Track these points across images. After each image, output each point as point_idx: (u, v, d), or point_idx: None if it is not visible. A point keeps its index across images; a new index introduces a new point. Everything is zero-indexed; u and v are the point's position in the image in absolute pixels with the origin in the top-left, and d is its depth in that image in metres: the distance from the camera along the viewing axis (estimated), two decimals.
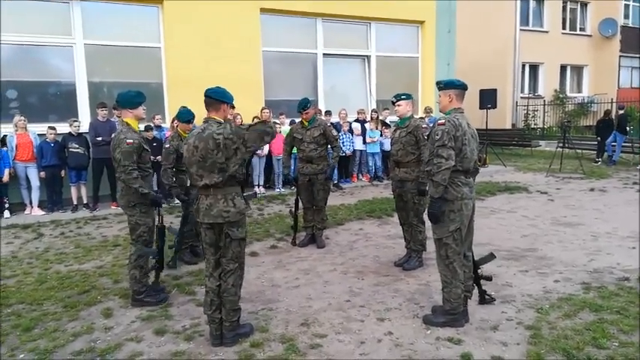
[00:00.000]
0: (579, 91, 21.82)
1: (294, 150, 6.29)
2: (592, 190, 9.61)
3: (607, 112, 13.90)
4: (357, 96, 11.98)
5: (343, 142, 10.49)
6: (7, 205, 7.95)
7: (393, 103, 5.25)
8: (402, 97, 5.12)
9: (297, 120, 6.20)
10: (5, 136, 7.97)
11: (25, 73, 8.57)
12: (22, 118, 8.02)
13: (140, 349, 3.63)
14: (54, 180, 8.26)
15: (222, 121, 3.59)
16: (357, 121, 10.95)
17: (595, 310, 4.01)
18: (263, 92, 10.51)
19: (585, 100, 20.53)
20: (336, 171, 10.45)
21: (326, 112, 10.56)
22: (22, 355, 3.56)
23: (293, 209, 6.22)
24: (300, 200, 6.18)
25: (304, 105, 5.89)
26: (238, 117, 9.35)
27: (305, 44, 11.14)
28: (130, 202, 4.29)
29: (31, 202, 8.20)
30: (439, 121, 3.71)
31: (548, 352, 3.36)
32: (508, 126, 19.21)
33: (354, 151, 10.80)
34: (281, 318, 4.10)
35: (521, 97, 19.63)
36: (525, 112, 19.39)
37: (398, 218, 5.54)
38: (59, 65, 8.86)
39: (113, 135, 4.48)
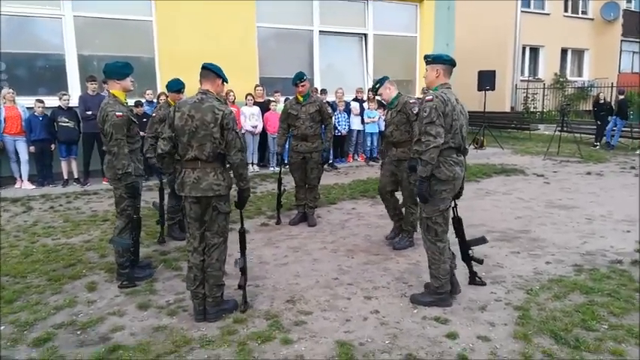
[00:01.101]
0: (580, 75, 21.60)
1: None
2: (589, 173, 9.53)
3: (597, 97, 13.83)
4: (353, 75, 11.81)
5: (339, 122, 10.37)
6: None
7: (375, 94, 5.13)
8: (377, 85, 5.06)
9: (292, 97, 6.05)
10: None
11: (14, 45, 8.36)
12: (11, 90, 7.87)
13: (122, 323, 3.57)
14: (43, 154, 8.14)
15: (219, 98, 3.55)
16: (355, 100, 10.80)
17: (586, 292, 3.95)
18: (257, 69, 10.34)
19: (586, 85, 20.33)
20: (331, 150, 10.34)
21: (322, 90, 10.40)
22: (2, 327, 3.49)
23: (279, 188, 6.14)
24: (293, 179, 6.10)
25: (300, 77, 5.76)
26: (231, 94, 9.20)
27: (301, 21, 10.92)
28: (116, 175, 4.18)
29: (21, 176, 8.09)
30: (427, 98, 3.59)
31: (535, 333, 3.30)
32: (507, 109, 19.05)
33: (351, 130, 10.68)
34: (267, 295, 4.04)
35: (521, 80, 19.43)
36: (525, 95, 19.21)
37: (380, 194, 5.41)
38: (48, 37, 8.66)
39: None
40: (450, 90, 3.69)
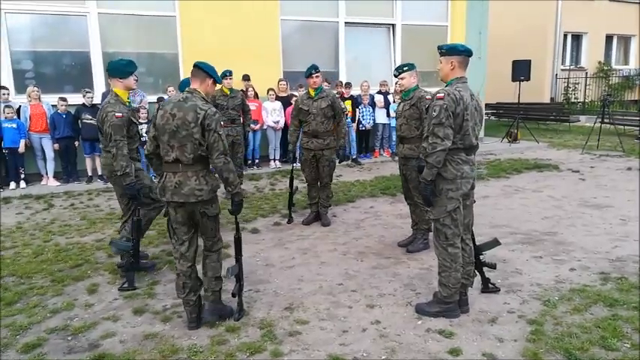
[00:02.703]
0: (626, 63, 20.37)
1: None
2: (629, 169, 8.92)
3: None
4: (380, 67, 11.47)
5: (363, 116, 10.12)
6: (22, 176, 8.01)
7: (396, 77, 4.85)
8: (405, 68, 4.72)
9: (304, 92, 5.85)
10: (20, 106, 7.97)
11: (40, 43, 8.52)
12: (35, 88, 8.00)
13: (114, 329, 3.49)
14: (68, 151, 8.26)
15: (206, 97, 3.41)
16: (379, 93, 10.49)
17: (610, 304, 3.61)
18: (281, 63, 10.17)
19: (632, 73, 19.18)
20: (354, 144, 10.11)
21: (346, 84, 10.15)
22: None
23: (290, 186, 5.98)
24: (305, 177, 5.92)
25: (314, 68, 5.55)
26: (250, 89, 9.10)
27: (326, 13, 10.67)
28: (112, 173, 4.13)
29: (47, 173, 8.24)
30: (438, 95, 3.32)
31: (547, 352, 3.02)
32: (546, 100, 18.19)
33: (376, 124, 10.39)
34: (266, 301, 3.88)
35: (562, 70, 18.50)
36: (566, 85, 18.30)
37: (404, 197, 5.20)
38: (73, 35, 8.76)
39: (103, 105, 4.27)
40: (466, 84, 3.42)
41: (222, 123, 3.31)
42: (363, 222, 6.04)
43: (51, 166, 8.20)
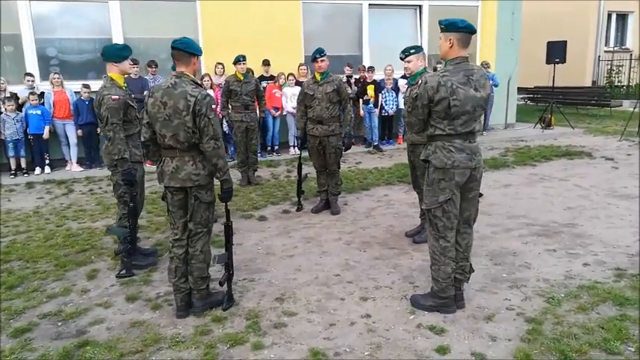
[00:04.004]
0: None
1: None
2: None
3: None
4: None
5: (386, 101, 9.87)
6: (47, 161, 8.21)
7: (402, 60, 4.63)
8: (412, 51, 4.50)
9: (311, 77, 5.70)
10: (43, 92, 8.15)
11: (63, 31, 8.66)
12: (57, 75, 8.15)
13: (104, 315, 3.51)
14: (90, 137, 8.41)
15: (196, 80, 3.33)
16: (403, 77, 10.19)
17: (619, 303, 3.36)
18: (302, 48, 10.00)
19: None
20: (376, 131, 9.89)
21: (369, 67, 9.91)
22: None
23: (299, 173, 5.87)
24: (313, 164, 5.80)
25: (320, 51, 5.40)
26: (282, 77, 9.05)
27: None
28: (112, 162, 4.12)
29: (70, 159, 8.43)
30: (420, 81, 3.14)
31: (541, 353, 2.82)
32: (588, 83, 17.32)
33: (399, 109, 10.12)
34: (258, 290, 3.82)
35: (605, 51, 17.54)
36: (609, 67, 17.35)
37: (412, 186, 5.01)
38: (96, 22, 8.85)
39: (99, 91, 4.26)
40: (462, 65, 3.15)
41: (213, 106, 3.22)
42: (374, 211, 5.88)
43: (74, 151, 8.38)
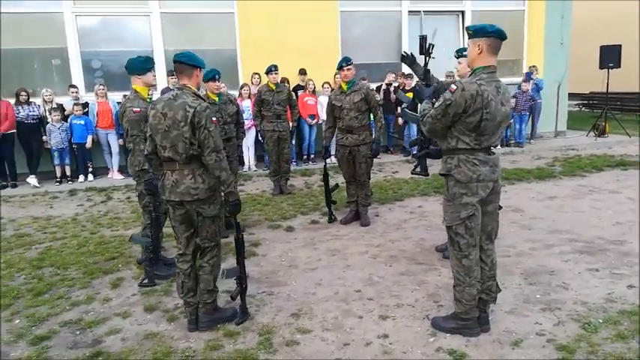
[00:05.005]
0: None
1: None
2: None
3: None
4: (447, 58, 10.81)
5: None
6: (90, 169, 8.49)
7: (457, 58, 4.42)
8: (465, 53, 4.28)
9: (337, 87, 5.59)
10: (87, 103, 8.45)
11: (107, 43, 8.98)
12: (102, 86, 8.42)
13: (122, 325, 3.51)
14: None
15: (198, 92, 3.30)
16: (453, 83, 9.89)
17: None
18: (340, 56, 9.88)
19: None
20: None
21: (407, 75, 9.69)
22: (17, 321, 3.63)
23: (326, 184, 5.78)
24: (342, 175, 5.68)
25: (346, 60, 5.29)
26: (310, 83, 8.99)
27: (388, 2, 10.25)
28: (135, 172, 4.17)
29: (112, 167, 8.68)
30: (450, 87, 2.94)
31: None
32: None
33: None
34: (276, 304, 3.72)
35: None
36: None
37: None
38: (137, 34, 9.15)
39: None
40: (494, 75, 2.97)
41: (213, 119, 3.16)
42: (406, 223, 5.68)
43: (116, 160, 8.62)
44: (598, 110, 14.58)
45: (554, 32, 11.12)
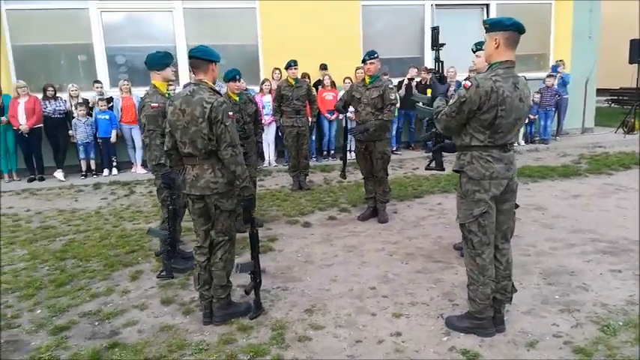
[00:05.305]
0: None
1: None
2: None
3: None
4: (470, 52, 10.65)
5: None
6: (114, 163, 8.65)
7: (474, 52, 4.35)
8: (483, 48, 4.21)
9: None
10: (112, 98, 8.60)
11: (130, 39, 9.12)
12: (126, 82, 8.55)
13: (139, 317, 3.58)
14: None
15: (215, 87, 3.32)
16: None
17: None
18: (361, 51, 9.81)
19: None
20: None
21: (429, 70, 9.56)
22: (39, 311, 3.73)
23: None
24: (360, 171, 5.68)
25: (371, 54, 5.25)
26: (327, 78, 8.96)
27: None
28: (153, 166, 4.23)
29: (136, 161, 8.83)
30: (465, 83, 2.89)
31: None
32: None
33: None
34: (290, 300, 3.74)
35: None
36: None
37: None
38: (161, 30, 9.26)
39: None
40: (511, 70, 2.90)
41: (230, 113, 3.18)
42: (424, 220, 5.63)
43: (139, 154, 8.75)
44: (628, 106, 14.17)
45: (583, 26, 10.82)
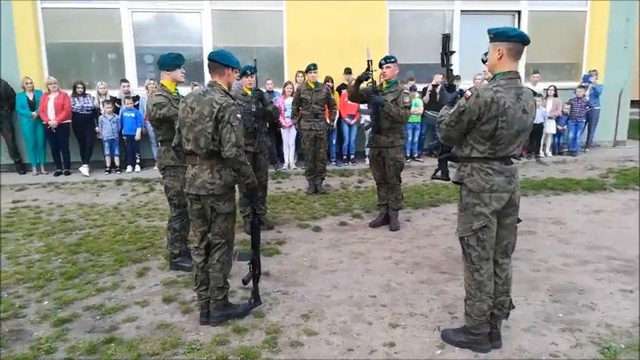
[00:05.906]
0: None
1: None
2: None
3: None
4: None
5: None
6: (138, 161, 8.85)
7: (484, 62, 4.27)
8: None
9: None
10: (138, 96, 8.80)
11: (159, 39, 9.32)
12: (153, 81, 8.72)
13: (139, 314, 3.64)
14: None
15: (227, 90, 3.38)
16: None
17: None
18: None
19: None
20: None
21: (456, 76, 9.43)
22: (46, 302, 3.84)
23: None
24: (373, 176, 5.64)
25: (388, 58, 5.23)
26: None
27: (439, 1, 10.02)
28: (161, 165, 4.31)
29: None
30: (465, 93, 2.84)
31: None
32: None
33: None
34: (288, 304, 3.74)
35: None
36: None
37: None
38: (189, 31, 9.44)
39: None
40: (515, 81, 2.84)
41: (238, 115, 3.22)
42: (437, 229, 5.55)
43: None
44: None
45: (618, 35, 10.46)
